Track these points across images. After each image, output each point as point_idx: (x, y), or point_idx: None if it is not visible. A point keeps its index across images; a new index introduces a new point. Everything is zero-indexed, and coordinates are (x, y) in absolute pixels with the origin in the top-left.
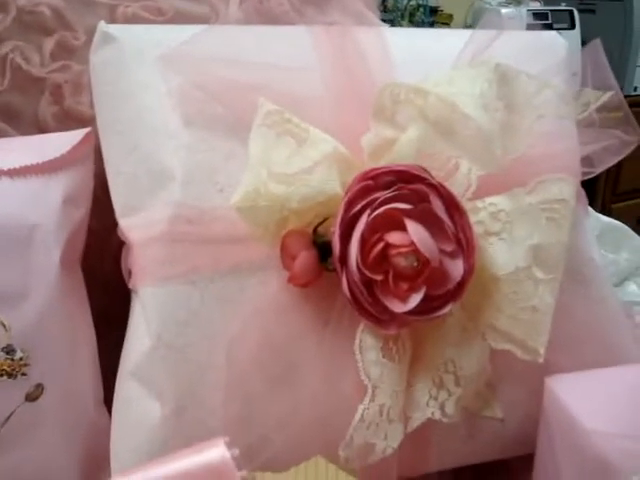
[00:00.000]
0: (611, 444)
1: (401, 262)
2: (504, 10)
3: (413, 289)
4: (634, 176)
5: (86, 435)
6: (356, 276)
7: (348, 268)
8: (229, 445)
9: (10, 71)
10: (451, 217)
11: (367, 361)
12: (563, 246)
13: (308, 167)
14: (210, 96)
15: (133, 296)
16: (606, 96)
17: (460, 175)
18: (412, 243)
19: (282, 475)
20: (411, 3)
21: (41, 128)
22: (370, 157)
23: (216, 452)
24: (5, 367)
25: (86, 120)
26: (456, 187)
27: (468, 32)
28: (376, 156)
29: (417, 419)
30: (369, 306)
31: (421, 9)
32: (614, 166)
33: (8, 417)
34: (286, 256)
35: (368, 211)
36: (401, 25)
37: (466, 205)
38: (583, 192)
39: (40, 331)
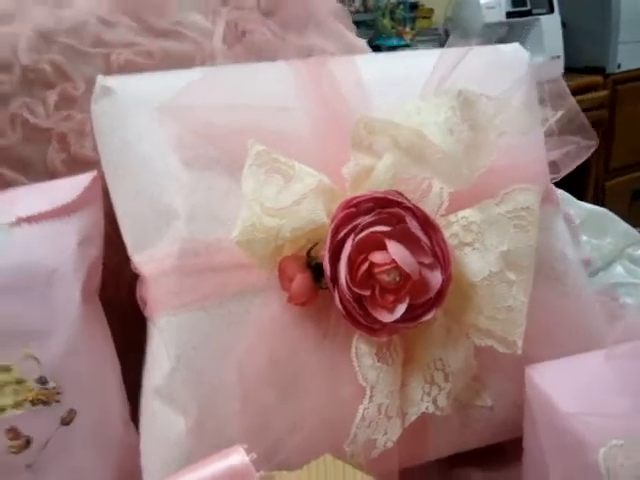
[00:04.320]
0: (583, 422)
1: (385, 278)
2: (483, 0)
3: (398, 300)
4: (624, 153)
5: (117, 452)
6: (347, 293)
7: (339, 286)
8: (247, 451)
9: (19, 126)
10: (427, 234)
11: (364, 366)
12: (531, 249)
13: (296, 200)
14: (205, 140)
15: (149, 323)
16: (559, 114)
17: (433, 194)
18: (393, 261)
19: (296, 473)
20: (391, 1)
21: (51, 174)
22: (351, 185)
23: (237, 457)
24: (41, 396)
25: (91, 163)
26: (430, 205)
27: (437, 52)
28: (357, 183)
29: (413, 414)
30: (360, 318)
31: (401, 6)
32: (604, 144)
33: (47, 442)
34: (284, 279)
35: (352, 235)
36: (383, 24)
37: (440, 221)
38: (555, 192)
39: (68, 361)
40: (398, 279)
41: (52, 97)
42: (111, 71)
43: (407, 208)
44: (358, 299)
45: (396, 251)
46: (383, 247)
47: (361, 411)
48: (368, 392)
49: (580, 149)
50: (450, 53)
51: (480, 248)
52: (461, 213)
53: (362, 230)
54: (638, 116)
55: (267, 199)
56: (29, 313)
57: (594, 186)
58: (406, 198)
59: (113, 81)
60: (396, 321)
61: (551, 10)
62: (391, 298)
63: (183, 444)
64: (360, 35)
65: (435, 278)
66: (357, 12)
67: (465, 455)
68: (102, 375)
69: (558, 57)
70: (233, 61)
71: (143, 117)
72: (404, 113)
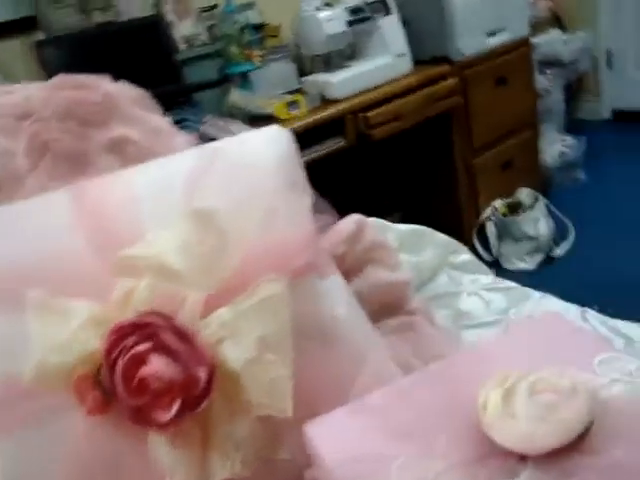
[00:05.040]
0: (340, 467)
1: (156, 385)
2: (322, 14)
3: (172, 400)
4: (484, 131)
5: None
6: (128, 403)
7: (120, 399)
8: None
9: None
10: (184, 341)
11: (162, 455)
12: (286, 329)
13: (72, 333)
14: None
15: None
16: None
17: (189, 303)
18: (157, 371)
19: None
20: (235, 27)
21: None
22: (119, 307)
23: None
24: None
25: None
26: (187, 313)
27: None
28: (124, 305)
29: None
30: (145, 420)
31: (247, 29)
32: (465, 126)
33: None
34: (79, 397)
35: (122, 356)
36: (231, 51)
37: (198, 324)
38: (324, 262)
39: None
40: (165, 384)
41: None
42: None
43: (162, 325)
44: (138, 407)
45: (158, 364)
46: (149, 361)
47: None
48: (168, 474)
49: (329, 222)
50: (201, 158)
51: (237, 339)
52: (216, 313)
53: (128, 351)
54: (487, 96)
55: (49, 337)
56: None
57: (463, 165)
58: (161, 316)
59: None
60: (175, 416)
61: (387, 12)
62: (166, 400)
63: None
64: (210, 66)
65: (200, 374)
66: (204, 44)
67: None
68: None
69: (404, 55)
70: (40, 174)
71: None
72: (152, 244)
